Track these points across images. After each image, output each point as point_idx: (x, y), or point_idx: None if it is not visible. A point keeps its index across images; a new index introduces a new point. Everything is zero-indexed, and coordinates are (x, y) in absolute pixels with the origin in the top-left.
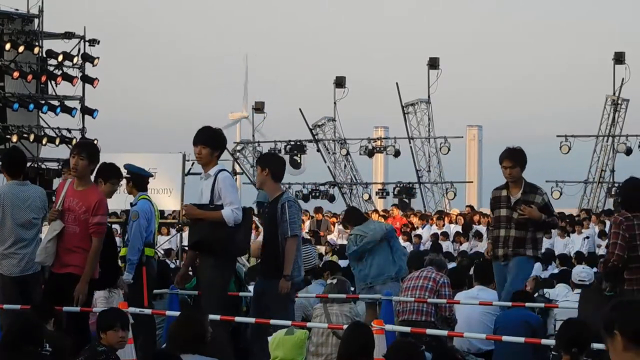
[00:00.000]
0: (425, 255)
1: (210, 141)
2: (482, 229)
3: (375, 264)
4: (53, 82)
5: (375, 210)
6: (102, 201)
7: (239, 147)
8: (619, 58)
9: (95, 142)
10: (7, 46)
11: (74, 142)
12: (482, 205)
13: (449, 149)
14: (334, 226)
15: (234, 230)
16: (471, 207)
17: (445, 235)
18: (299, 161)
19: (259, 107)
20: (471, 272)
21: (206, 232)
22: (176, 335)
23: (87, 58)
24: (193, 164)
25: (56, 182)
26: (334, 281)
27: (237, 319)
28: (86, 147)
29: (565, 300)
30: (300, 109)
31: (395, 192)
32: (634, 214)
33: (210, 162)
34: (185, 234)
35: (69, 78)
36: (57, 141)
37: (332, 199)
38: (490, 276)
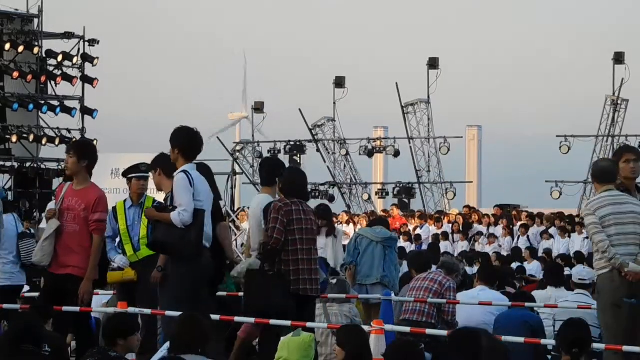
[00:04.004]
0: (425, 255)
1: (171, 141)
2: (483, 229)
3: (364, 263)
4: (53, 82)
5: (373, 212)
6: (102, 198)
7: (238, 147)
8: (619, 58)
9: (95, 142)
10: (7, 46)
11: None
12: (482, 205)
13: (448, 149)
14: None
15: (184, 231)
16: (469, 207)
17: (445, 235)
18: (298, 161)
19: (258, 107)
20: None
21: (160, 234)
22: (178, 336)
23: (87, 58)
24: None
25: (56, 182)
26: (334, 281)
27: (237, 319)
28: (74, 145)
29: (565, 301)
30: (300, 109)
31: (395, 192)
32: (292, 200)
33: (177, 161)
34: None
35: (68, 78)
36: (57, 141)
37: (331, 199)
38: (494, 277)
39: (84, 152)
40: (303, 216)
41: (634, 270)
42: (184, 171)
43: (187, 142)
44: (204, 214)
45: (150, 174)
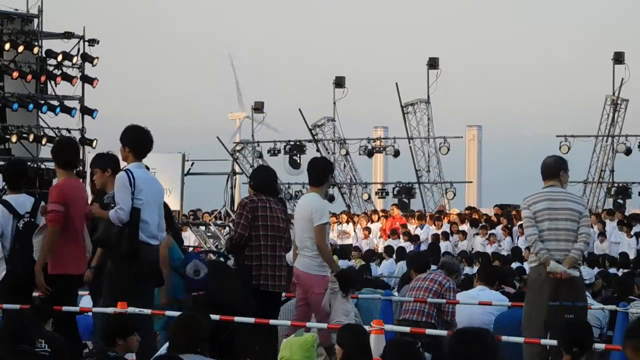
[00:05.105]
0: (424, 255)
1: (122, 139)
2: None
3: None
4: (52, 82)
5: (375, 211)
6: (55, 188)
7: (238, 147)
8: (619, 58)
9: (95, 142)
10: (7, 46)
11: None
12: (482, 205)
13: (448, 149)
14: (334, 226)
15: (121, 229)
16: (470, 207)
17: (445, 235)
18: (298, 161)
19: (258, 107)
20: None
21: (101, 231)
22: (176, 336)
23: (87, 58)
24: (192, 164)
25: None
26: None
27: (237, 318)
28: None
29: None
30: (299, 109)
31: (395, 192)
32: (259, 196)
33: (126, 160)
34: (185, 234)
35: (68, 78)
36: None
37: (331, 199)
38: (494, 277)
39: (54, 148)
40: (269, 213)
41: (553, 270)
42: (126, 170)
43: (137, 140)
44: (139, 212)
45: (98, 173)
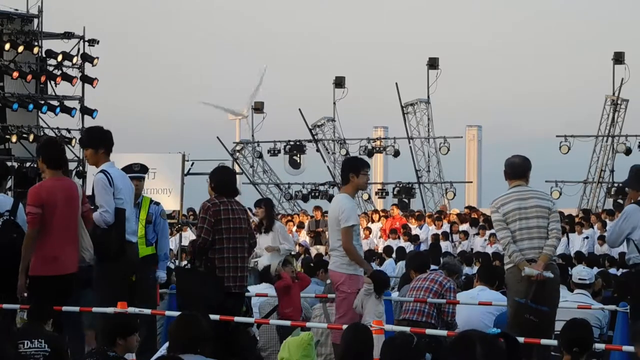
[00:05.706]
0: (424, 255)
1: (88, 142)
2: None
3: None
4: (52, 82)
5: (376, 210)
6: (31, 190)
7: (238, 147)
8: (619, 58)
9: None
10: (7, 46)
11: (73, 142)
12: (482, 205)
13: (448, 149)
14: None
15: (106, 231)
16: (470, 207)
17: (445, 235)
18: (298, 161)
19: (258, 107)
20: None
21: None
22: (176, 336)
23: (87, 58)
24: (193, 164)
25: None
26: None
27: (237, 319)
28: None
29: (565, 301)
30: (299, 109)
31: (395, 192)
32: (220, 199)
33: (97, 162)
34: (185, 234)
35: (68, 78)
36: None
37: (331, 199)
38: (494, 277)
39: (37, 150)
40: (231, 215)
41: (529, 274)
42: (103, 171)
43: (107, 140)
44: (124, 213)
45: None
